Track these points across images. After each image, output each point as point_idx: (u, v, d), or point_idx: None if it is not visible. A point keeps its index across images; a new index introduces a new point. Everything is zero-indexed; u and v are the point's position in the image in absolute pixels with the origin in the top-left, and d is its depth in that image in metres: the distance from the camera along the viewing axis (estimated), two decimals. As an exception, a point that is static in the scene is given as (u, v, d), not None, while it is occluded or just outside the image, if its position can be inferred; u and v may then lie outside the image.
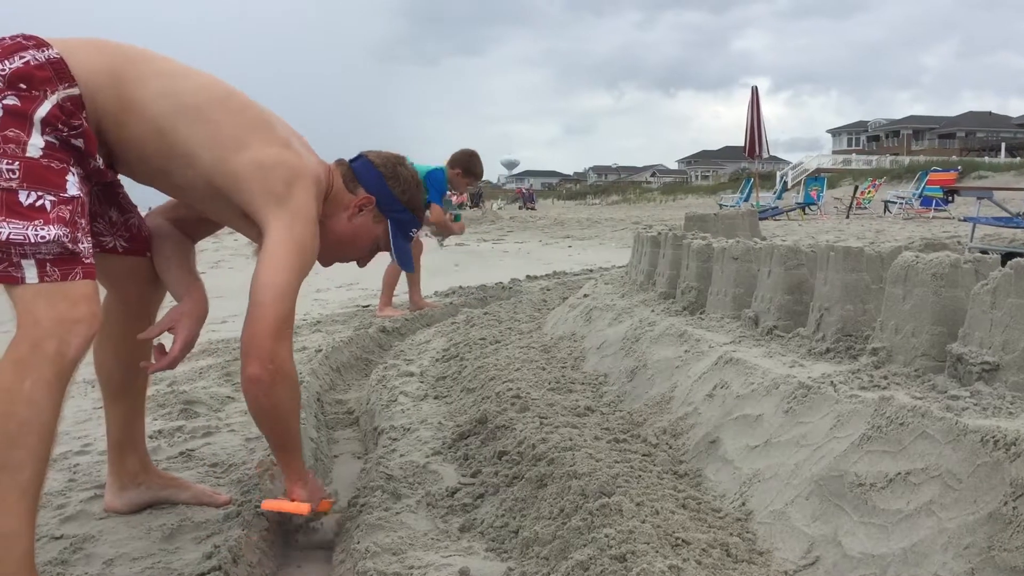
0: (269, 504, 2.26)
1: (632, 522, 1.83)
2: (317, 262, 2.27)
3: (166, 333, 2.23)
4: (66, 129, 1.84)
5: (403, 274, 6.58)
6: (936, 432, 1.66)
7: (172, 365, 2.21)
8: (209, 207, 2.20)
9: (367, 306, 6.89)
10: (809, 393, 2.16)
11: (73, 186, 1.84)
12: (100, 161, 1.96)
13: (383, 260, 6.51)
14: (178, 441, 3.13)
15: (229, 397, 3.74)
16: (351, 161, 2.39)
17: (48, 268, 1.78)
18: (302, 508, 2.22)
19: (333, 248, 2.33)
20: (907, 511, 1.61)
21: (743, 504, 2.04)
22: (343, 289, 8.69)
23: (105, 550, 2.18)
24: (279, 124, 2.21)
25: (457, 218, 7.07)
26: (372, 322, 5.84)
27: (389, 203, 2.36)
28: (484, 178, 8.76)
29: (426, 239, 7.17)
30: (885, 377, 2.16)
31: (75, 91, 1.88)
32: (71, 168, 1.85)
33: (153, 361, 2.26)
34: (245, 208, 2.08)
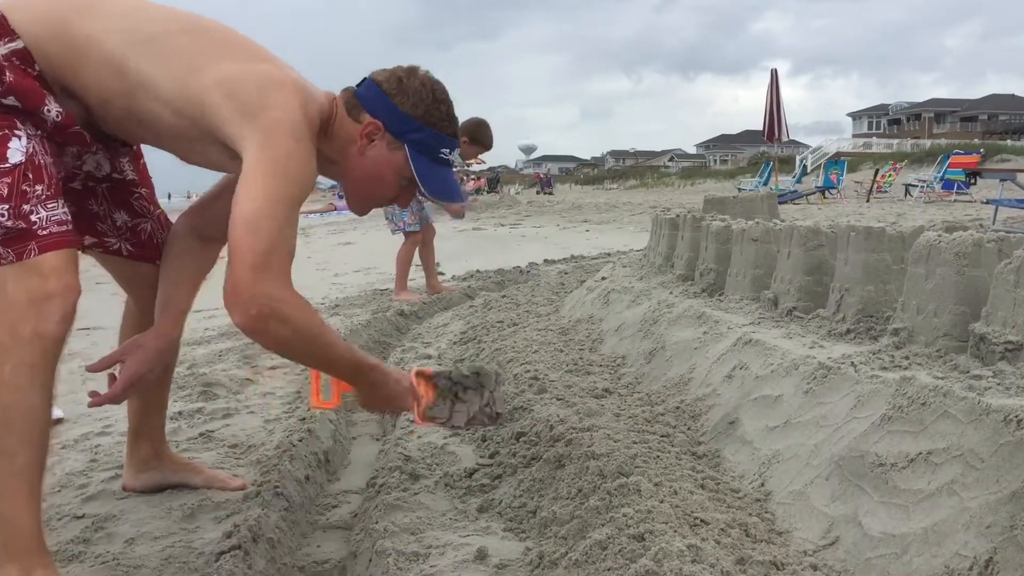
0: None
1: (650, 502, 1.83)
2: (353, 212, 2.12)
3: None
4: None
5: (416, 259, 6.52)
6: (958, 412, 1.64)
7: (113, 401, 2.08)
8: (192, 150, 1.96)
9: (384, 290, 6.90)
10: (829, 374, 2.15)
11: (17, 152, 1.69)
12: (54, 113, 1.79)
13: (395, 244, 6.57)
14: (198, 423, 3.15)
15: (248, 379, 3.76)
16: (357, 86, 2.04)
17: (1, 251, 1.67)
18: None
19: (357, 191, 2.06)
20: (928, 491, 1.59)
21: (762, 484, 2.04)
22: (360, 273, 8.72)
23: (126, 529, 2.20)
24: (253, 44, 1.96)
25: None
26: (390, 305, 5.85)
27: (400, 122, 1.96)
28: (502, 163, 8.61)
29: (439, 223, 7.04)
30: (906, 357, 2.14)
31: (17, 44, 1.74)
32: (15, 132, 1.71)
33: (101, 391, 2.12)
34: (218, 136, 1.81)
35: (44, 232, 1.69)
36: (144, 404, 2.36)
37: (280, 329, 1.72)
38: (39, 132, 1.76)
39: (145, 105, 1.83)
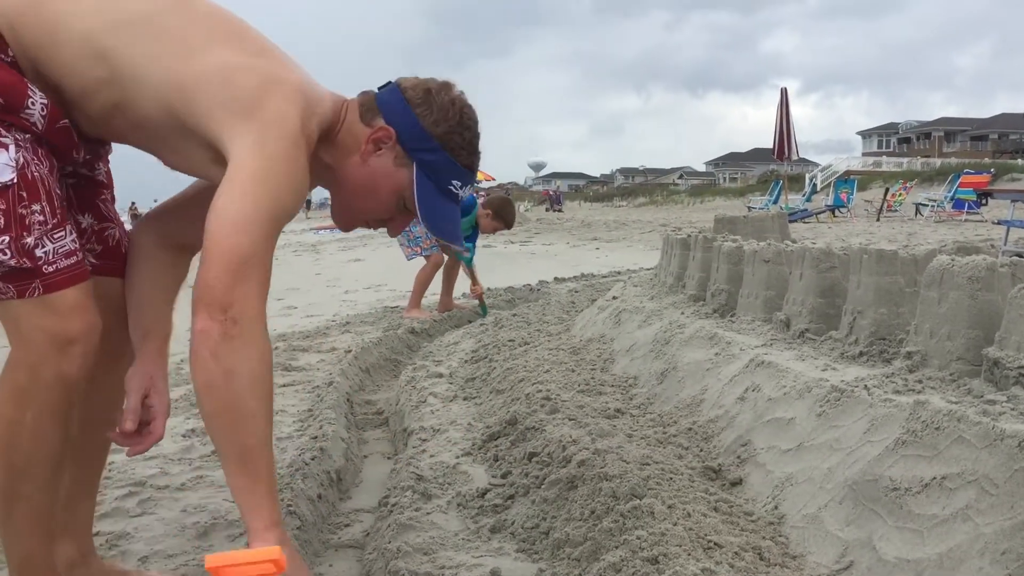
0: (217, 559, 1.33)
1: (664, 524, 1.83)
2: (337, 226, 1.84)
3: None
4: None
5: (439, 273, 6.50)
6: (972, 436, 1.64)
7: (158, 440, 1.78)
8: (175, 150, 1.68)
9: (395, 307, 6.91)
10: (842, 397, 2.15)
11: (6, 169, 1.46)
12: (38, 108, 1.52)
13: (407, 261, 6.58)
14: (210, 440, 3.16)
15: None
16: (379, 89, 1.79)
17: (1, 285, 1.50)
18: (268, 558, 1.33)
19: (346, 202, 1.77)
20: (943, 516, 1.59)
21: (776, 508, 2.04)
22: (371, 290, 8.74)
23: (140, 547, 2.21)
24: (257, 34, 1.70)
25: (467, 260, 6.65)
26: (401, 323, 5.86)
27: (415, 137, 1.70)
28: (511, 180, 8.63)
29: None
30: (920, 381, 2.14)
31: None
32: (1, 142, 1.47)
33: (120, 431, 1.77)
34: (205, 131, 1.56)
35: (51, 269, 1.52)
36: (72, 486, 1.84)
37: (241, 349, 1.46)
38: (27, 136, 1.52)
39: (129, 95, 1.58)
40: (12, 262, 1.47)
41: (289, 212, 1.56)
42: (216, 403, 1.48)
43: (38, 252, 1.50)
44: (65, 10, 1.55)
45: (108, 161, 1.88)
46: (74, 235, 1.59)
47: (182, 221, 1.83)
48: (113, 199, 1.87)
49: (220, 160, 1.55)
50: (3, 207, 1.46)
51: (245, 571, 1.33)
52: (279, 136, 1.53)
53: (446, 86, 1.76)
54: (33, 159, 1.51)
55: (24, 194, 1.48)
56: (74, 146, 1.66)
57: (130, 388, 1.76)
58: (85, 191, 1.77)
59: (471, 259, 6.65)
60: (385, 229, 1.86)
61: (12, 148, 1.48)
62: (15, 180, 1.47)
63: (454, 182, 1.75)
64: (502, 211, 6.41)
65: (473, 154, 1.78)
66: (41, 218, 1.50)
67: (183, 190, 1.91)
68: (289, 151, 1.54)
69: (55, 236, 1.53)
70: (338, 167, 1.73)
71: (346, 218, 1.81)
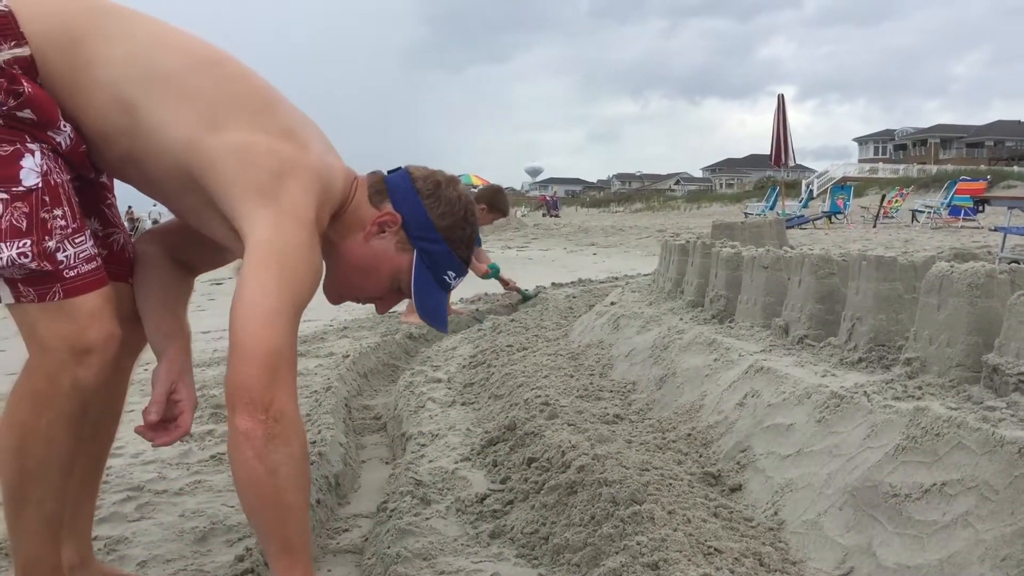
0: None
1: (664, 530, 1.83)
2: (327, 299, 1.88)
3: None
4: (9, 99, 1.47)
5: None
6: (972, 443, 1.65)
7: (186, 432, 1.80)
8: (188, 209, 1.73)
9: (393, 312, 6.90)
10: (842, 403, 2.15)
11: (31, 174, 1.49)
12: (69, 131, 1.57)
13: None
14: (209, 445, 3.16)
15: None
16: (389, 173, 1.87)
17: (22, 288, 1.51)
18: None
19: (342, 278, 1.82)
20: (943, 522, 1.60)
21: (775, 514, 2.04)
22: (369, 295, 8.72)
23: (138, 552, 2.20)
24: (285, 107, 1.73)
25: (494, 274, 6.87)
26: (399, 328, 5.86)
27: (420, 226, 1.78)
28: (508, 185, 8.66)
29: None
30: (919, 387, 2.14)
31: (24, 51, 1.50)
32: (27, 148, 1.50)
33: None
34: (221, 206, 1.60)
35: (71, 274, 1.53)
36: (74, 486, 1.84)
37: (283, 448, 1.49)
38: (50, 150, 1.55)
39: (147, 150, 1.61)
40: (33, 265, 1.48)
41: (308, 299, 1.60)
42: (260, 500, 1.52)
43: (59, 256, 1.51)
44: (98, 54, 1.56)
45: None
46: (92, 241, 1.60)
47: (185, 242, 1.88)
48: (116, 204, 1.88)
49: (232, 230, 1.60)
50: (26, 211, 1.48)
51: None
52: (296, 226, 1.56)
53: (453, 181, 1.84)
54: (55, 167, 1.54)
55: (47, 199, 1.50)
56: (88, 168, 1.69)
57: (157, 380, 1.77)
58: (89, 195, 1.77)
59: (497, 273, 6.84)
60: (373, 305, 1.92)
61: (38, 154, 1.51)
62: (39, 185, 1.49)
63: (449, 272, 1.83)
64: (495, 201, 6.39)
65: (470, 249, 1.87)
66: (63, 223, 1.52)
67: (168, 225, 1.95)
68: (305, 240, 1.57)
69: (76, 241, 1.55)
70: (339, 243, 1.78)
71: (338, 292, 1.85)
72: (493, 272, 6.81)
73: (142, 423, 1.76)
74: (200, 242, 1.82)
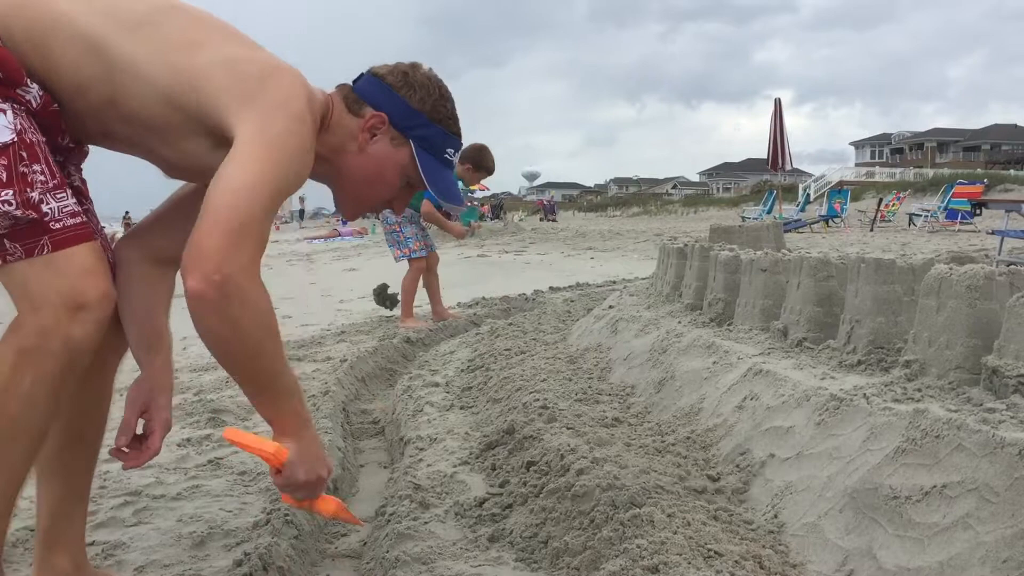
0: (233, 434, 1.70)
1: (664, 533, 1.83)
2: (343, 215, 1.90)
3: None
4: None
5: (420, 286, 6.54)
6: (972, 445, 1.64)
7: (155, 454, 1.79)
8: (170, 144, 1.67)
9: (390, 317, 6.90)
10: (841, 405, 2.15)
11: (4, 131, 1.46)
12: (36, 89, 1.55)
13: (400, 270, 6.59)
14: (206, 449, 3.15)
15: (256, 406, 3.76)
16: (354, 82, 1.85)
17: (8, 245, 1.47)
18: (268, 453, 1.65)
19: (352, 192, 1.83)
20: (943, 524, 1.59)
21: (775, 516, 2.03)
22: (366, 299, 8.72)
23: (136, 557, 2.19)
24: (240, 32, 1.75)
25: (466, 221, 6.77)
26: (396, 332, 5.85)
27: (406, 117, 1.79)
28: (505, 190, 8.63)
29: (442, 250, 7.08)
30: (919, 389, 2.14)
31: None
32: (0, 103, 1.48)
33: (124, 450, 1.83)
34: (211, 119, 1.59)
35: (57, 226, 1.49)
36: (62, 496, 1.85)
37: (238, 308, 1.47)
38: (23, 108, 1.52)
39: (128, 90, 1.59)
40: (18, 212, 1.44)
41: (291, 186, 1.59)
42: (227, 349, 1.52)
43: (43, 208, 1.47)
44: (58, 10, 1.56)
45: (82, 170, 1.86)
46: (75, 199, 1.57)
47: (165, 235, 1.85)
48: (86, 183, 1.85)
49: (221, 145, 1.58)
50: (4, 163, 1.45)
51: (250, 450, 1.67)
52: (285, 115, 1.57)
53: (416, 65, 1.85)
54: (29, 127, 1.51)
55: (24, 154, 1.47)
56: (60, 132, 1.65)
57: (128, 402, 1.78)
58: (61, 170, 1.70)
59: (468, 220, 6.76)
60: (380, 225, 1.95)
61: (10, 112, 1.48)
62: (15, 139, 1.46)
63: (448, 150, 1.86)
64: (480, 159, 6.25)
65: (457, 121, 1.88)
66: (43, 178, 1.49)
67: (162, 204, 1.93)
68: (293, 127, 1.57)
69: (57, 196, 1.51)
70: (336, 160, 1.78)
71: (355, 206, 1.88)
72: (466, 219, 6.77)
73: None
74: (179, 224, 1.72)
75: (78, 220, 1.53)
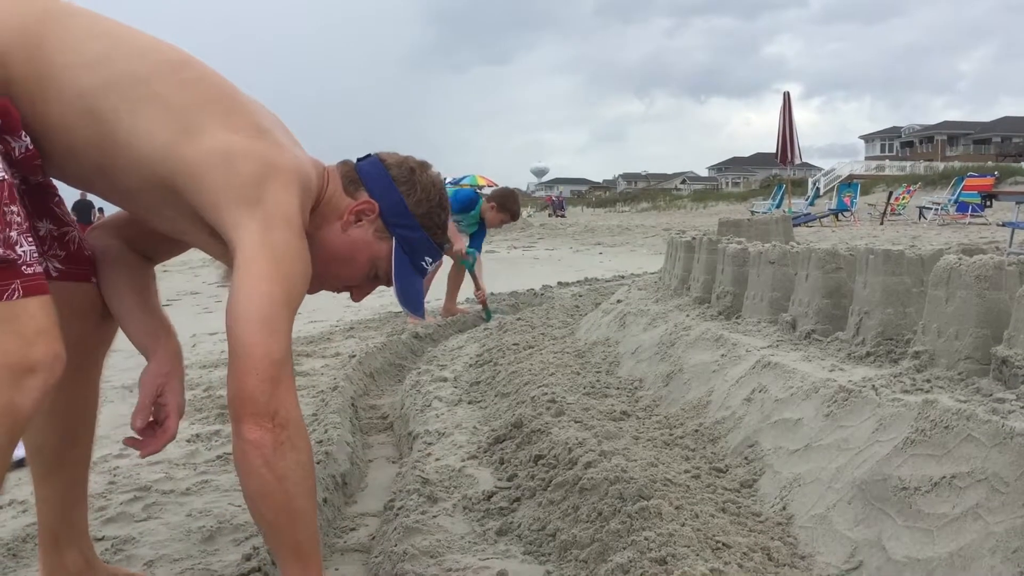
0: None
1: (672, 525, 1.82)
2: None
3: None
4: None
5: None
6: (982, 435, 1.63)
7: (166, 444, 1.74)
8: (164, 219, 1.67)
9: (399, 312, 6.91)
10: (850, 397, 2.14)
11: None
12: (27, 141, 1.50)
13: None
14: (216, 445, 3.16)
15: (265, 402, 3.76)
16: (359, 160, 1.86)
17: None
18: None
19: (321, 267, 1.72)
20: (953, 515, 1.58)
21: (784, 508, 2.02)
22: (375, 296, 8.72)
23: (145, 551, 2.20)
24: (251, 105, 1.70)
25: (468, 264, 6.67)
26: (404, 328, 5.85)
27: (397, 213, 1.78)
28: (514, 186, 8.63)
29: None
30: (928, 380, 2.13)
31: None
32: None
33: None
34: (203, 212, 1.57)
35: (29, 271, 1.39)
36: (65, 491, 1.84)
37: (290, 454, 1.49)
38: (3, 151, 1.47)
39: (117, 162, 1.55)
40: (1, 252, 1.36)
41: (301, 298, 1.59)
42: (272, 508, 1.51)
43: (18, 249, 1.39)
44: (59, 62, 1.50)
45: (59, 195, 1.79)
46: (33, 244, 1.48)
47: (142, 233, 1.82)
48: (63, 200, 1.77)
49: (213, 234, 1.58)
50: None
51: None
52: (283, 226, 1.55)
53: (425, 166, 1.85)
54: (8, 170, 1.45)
55: (4, 195, 1.41)
56: (37, 175, 1.62)
57: (142, 385, 1.74)
58: (37, 196, 1.66)
59: (472, 264, 6.64)
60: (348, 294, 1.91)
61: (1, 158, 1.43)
62: (5, 179, 1.40)
63: (427, 258, 1.85)
64: (507, 203, 6.47)
65: (443, 232, 1.88)
66: (19, 219, 1.42)
67: (120, 215, 1.87)
68: (292, 240, 1.56)
69: (28, 240, 1.43)
70: (316, 234, 1.74)
71: (316, 282, 1.77)
72: (469, 263, 6.63)
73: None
74: (151, 230, 1.77)
75: (40, 269, 1.44)
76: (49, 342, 1.40)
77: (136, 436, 1.72)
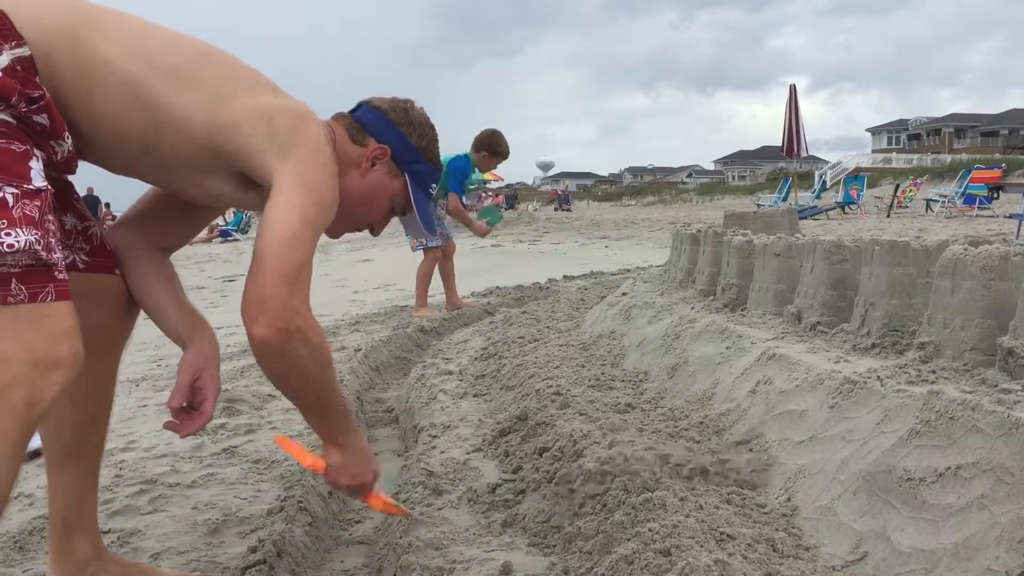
0: (281, 442, 2.09)
1: (676, 517, 1.82)
2: (325, 235, 1.90)
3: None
4: (24, 103, 1.45)
5: (436, 274, 6.57)
6: (987, 426, 1.63)
7: (204, 425, 1.84)
8: (201, 187, 1.78)
9: (404, 306, 6.91)
10: (855, 388, 2.13)
11: (39, 176, 1.45)
12: (70, 143, 1.57)
13: (415, 260, 6.62)
14: (221, 438, 3.16)
15: (270, 395, 3.78)
16: (352, 112, 2.00)
17: (13, 286, 1.40)
18: (316, 465, 1.95)
19: (344, 213, 1.87)
20: (958, 505, 1.58)
21: (788, 499, 2.02)
22: (380, 290, 8.74)
23: (151, 544, 2.21)
24: (265, 77, 1.85)
25: (492, 221, 6.97)
26: (410, 322, 5.86)
27: (406, 153, 1.97)
28: (519, 180, 8.67)
29: (457, 239, 7.11)
30: (933, 371, 2.12)
31: (24, 51, 1.47)
32: (34, 152, 1.46)
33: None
34: (246, 163, 1.70)
35: (61, 276, 1.47)
36: (78, 480, 1.90)
37: (301, 348, 1.64)
38: (45, 158, 1.52)
39: (167, 140, 1.67)
40: (44, 255, 1.42)
41: (328, 219, 1.76)
42: (291, 384, 1.73)
43: (54, 255, 1.46)
44: (103, 57, 1.59)
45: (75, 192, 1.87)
46: (63, 252, 1.57)
47: (159, 225, 1.95)
48: (80, 197, 1.87)
49: (244, 186, 1.75)
50: (38, 206, 1.43)
51: (295, 457, 2.05)
52: (319, 163, 1.72)
53: (411, 103, 2.04)
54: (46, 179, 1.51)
55: (45, 205, 1.47)
56: (70, 172, 1.70)
57: (181, 369, 1.84)
58: (61, 193, 1.72)
59: (499, 219, 6.92)
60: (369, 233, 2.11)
61: (40, 163, 1.49)
62: (47, 187, 1.47)
63: (432, 185, 2.08)
64: (494, 145, 6.45)
65: (439, 158, 2.10)
66: (54, 228, 1.49)
67: (147, 196, 1.97)
68: (326, 173, 1.74)
69: (60, 249, 1.51)
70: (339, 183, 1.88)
71: (342, 225, 1.98)
72: (493, 222, 7.04)
73: (169, 418, 1.83)
74: (172, 218, 1.94)
75: (64, 277, 1.49)
76: (72, 342, 1.48)
77: (174, 420, 1.83)
